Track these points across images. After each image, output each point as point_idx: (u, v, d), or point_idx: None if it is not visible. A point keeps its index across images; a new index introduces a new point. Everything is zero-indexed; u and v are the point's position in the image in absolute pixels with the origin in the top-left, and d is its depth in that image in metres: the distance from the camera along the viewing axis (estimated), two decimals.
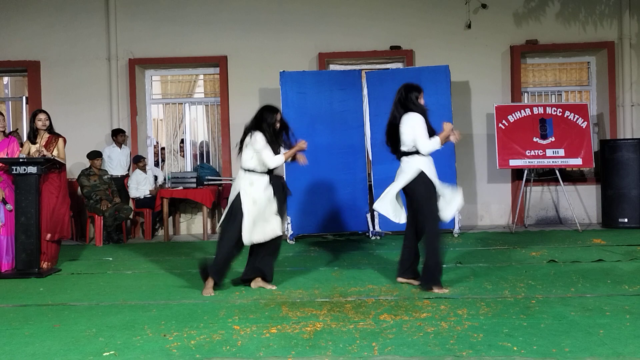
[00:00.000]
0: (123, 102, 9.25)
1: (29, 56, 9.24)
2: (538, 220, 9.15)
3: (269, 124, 4.87)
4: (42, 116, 6.26)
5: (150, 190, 8.71)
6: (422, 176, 4.72)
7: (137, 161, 8.76)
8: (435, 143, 4.74)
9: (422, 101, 4.93)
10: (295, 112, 7.98)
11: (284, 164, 5.07)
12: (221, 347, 3.41)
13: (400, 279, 5.01)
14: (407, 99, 4.88)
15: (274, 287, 4.96)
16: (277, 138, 4.93)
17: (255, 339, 3.54)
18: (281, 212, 4.94)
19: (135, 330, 3.80)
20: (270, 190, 4.85)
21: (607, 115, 9.13)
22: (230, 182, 9.01)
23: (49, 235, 6.11)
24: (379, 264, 5.95)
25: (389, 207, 4.90)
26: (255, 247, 4.93)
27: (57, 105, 8.96)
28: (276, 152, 4.86)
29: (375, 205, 4.98)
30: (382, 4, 9.16)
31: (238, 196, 4.82)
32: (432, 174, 4.76)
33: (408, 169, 4.78)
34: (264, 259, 4.96)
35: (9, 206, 5.93)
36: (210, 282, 4.84)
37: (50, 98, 9.17)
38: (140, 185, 8.68)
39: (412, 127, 4.76)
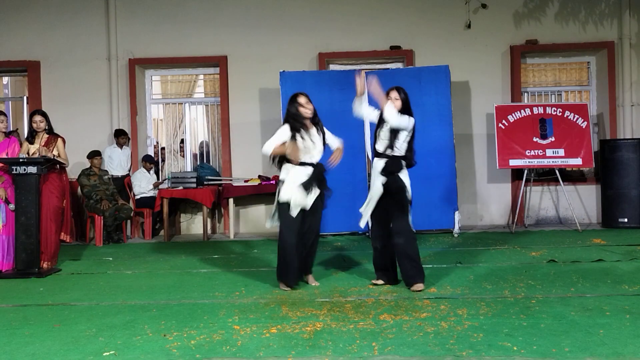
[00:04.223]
0: (123, 102, 9.25)
1: (29, 56, 9.24)
2: (538, 220, 9.14)
3: (292, 113, 4.98)
4: (37, 118, 6.26)
5: (153, 184, 8.80)
6: None
7: (146, 160, 8.90)
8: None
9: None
10: None
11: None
12: (221, 347, 3.41)
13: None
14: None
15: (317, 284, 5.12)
16: (305, 121, 4.97)
17: (255, 339, 3.54)
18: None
19: (135, 330, 3.80)
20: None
21: (607, 115, 9.13)
22: (230, 182, 9.02)
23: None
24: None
25: None
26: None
27: (57, 105, 8.97)
28: (297, 133, 4.93)
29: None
30: (382, 4, 9.15)
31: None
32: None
33: None
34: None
35: (12, 206, 5.94)
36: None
37: (50, 98, 9.17)
38: (141, 183, 8.74)
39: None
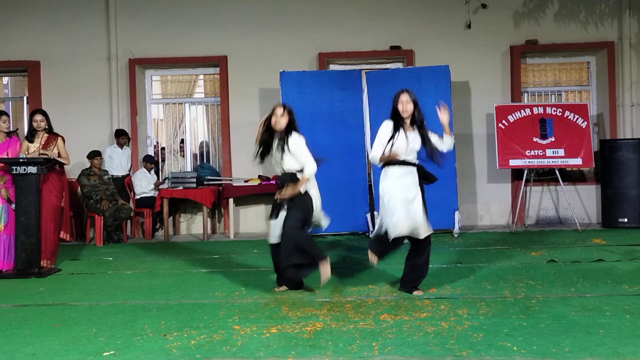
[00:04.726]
0: (123, 102, 9.25)
1: (29, 56, 9.24)
2: (538, 220, 9.14)
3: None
4: (37, 117, 6.27)
5: (154, 183, 8.82)
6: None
7: (147, 161, 8.90)
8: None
9: None
10: (295, 112, 7.94)
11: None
12: (221, 347, 3.41)
13: None
14: None
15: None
16: (276, 133, 4.81)
17: (255, 339, 3.54)
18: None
19: (135, 330, 3.80)
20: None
21: (607, 115, 9.13)
22: (230, 182, 9.02)
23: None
24: (379, 264, 5.91)
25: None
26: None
27: (57, 105, 8.97)
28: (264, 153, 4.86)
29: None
30: (382, 4, 9.15)
31: None
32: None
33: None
34: None
35: (14, 206, 5.94)
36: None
37: (50, 98, 9.17)
38: (142, 183, 8.76)
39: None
